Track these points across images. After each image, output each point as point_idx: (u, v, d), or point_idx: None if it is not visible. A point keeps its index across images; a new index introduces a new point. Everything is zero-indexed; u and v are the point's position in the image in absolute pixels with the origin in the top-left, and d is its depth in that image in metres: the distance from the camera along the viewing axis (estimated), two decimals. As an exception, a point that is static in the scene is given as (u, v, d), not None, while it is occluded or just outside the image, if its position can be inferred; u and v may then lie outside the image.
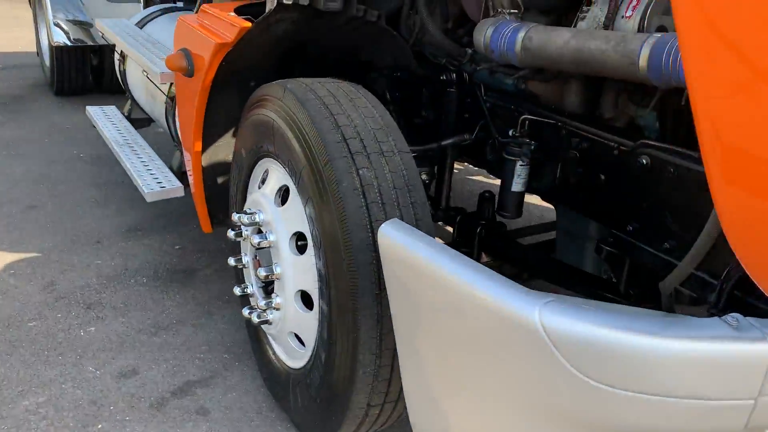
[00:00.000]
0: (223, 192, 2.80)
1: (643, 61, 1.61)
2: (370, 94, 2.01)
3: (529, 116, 2.18)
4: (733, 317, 1.21)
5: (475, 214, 2.64)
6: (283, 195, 2.06)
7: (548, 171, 2.20)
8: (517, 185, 2.25)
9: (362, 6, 2.24)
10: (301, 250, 1.96)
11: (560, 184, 2.17)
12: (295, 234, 1.97)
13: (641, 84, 1.78)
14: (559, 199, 2.26)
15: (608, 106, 2.09)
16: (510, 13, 2.17)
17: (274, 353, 2.29)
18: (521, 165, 2.22)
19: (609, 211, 2.01)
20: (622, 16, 1.84)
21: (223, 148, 2.76)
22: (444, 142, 2.47)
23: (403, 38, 2.52)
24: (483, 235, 2.55)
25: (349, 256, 1.70)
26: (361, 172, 1.74)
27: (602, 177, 2.00)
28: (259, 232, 2.13)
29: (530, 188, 2.29)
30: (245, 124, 2.26)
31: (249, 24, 2.14)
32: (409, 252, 1.47)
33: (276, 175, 2.08)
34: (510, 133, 2.26)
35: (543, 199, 2.45)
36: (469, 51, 2.43)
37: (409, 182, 1.79)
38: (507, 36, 2.00)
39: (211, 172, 2.77)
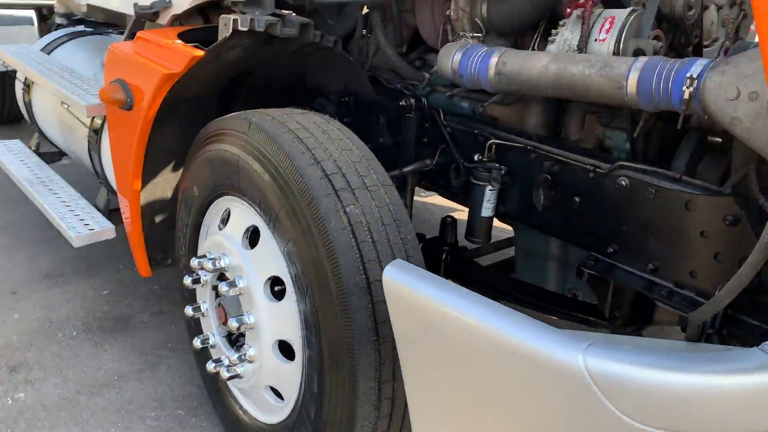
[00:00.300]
0: (162, 231, 2.59)
1: (631, 87, 1.60)
2: (342, 125, 1.90)
3: (497, 141, 2.15)
4: (770, 345, 1.20)
5: (438, 239, 2.58)
6: (251, 236, 1.90)
7: (518, 195, 2.18)
8: (486, 210, 2.20)
9: (318, 32, 2.13)
10: (278, 295, 1.81)
11: (531, 208, 2.14)
12: (270, 279, 1.81)
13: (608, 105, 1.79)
14: (530, 223, 2.24)
15: (574, 127, 2.09)
16: (473, 37, 2.13)
17: (242, 408, 2.11)
18: (490, 190, 2.17)
19: (586, 234, 2.00)
20: (596, 40, 1.85)
21: (162, 185, 2.54)
22: (405, 169, 2.39)
23: (356, 62, 2.42)
24: (449, 261, 2.49)
25: (343, 301, 1.57)
26: (348, 209, 1.62)
27: (577, 199, 1.99)
28: (223, 277, 1.96)
29: (499, 212, 2.25)
30: (197, 160, 2.08)
31: (201, 52, 1.97)
32: (424, 297, 1.37)
33: (242, 214, 1.92)
34: (476, 157, 2.21)
35: (502, 221, 2.43)
36: (427, 75, 2.37)
37: (396, 217, 1.70)
38: (478, 61, 1.96)
39: (149, 211, 2.54)
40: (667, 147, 2.00)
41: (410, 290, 1.41)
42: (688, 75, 1.49)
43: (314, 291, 1.64)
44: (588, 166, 1.93)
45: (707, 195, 1.68)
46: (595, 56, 1.72)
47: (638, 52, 1.73)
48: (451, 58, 2.03)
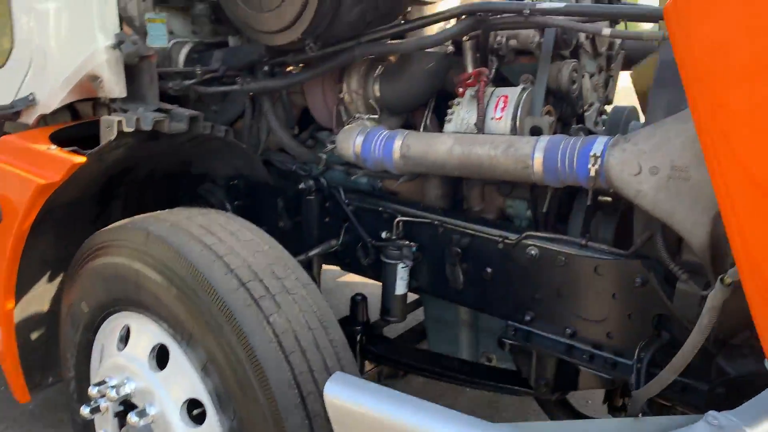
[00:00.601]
0: (41, 349, 2.31)
1: (537, 166, 1.65)
2: (249, 223, 1.80)
3: (404, 218, 2.13)
4: (713, 416, 1.25)
5: (349, 319, 2.50)
6: (159, 355, 1.73)
7: (431, 269, 2.17)
8: (400, 288, 2.17)
9: (208, 123, 2.02)
10: (198, 419, 1.64)
11: (446, 281, 2.14)
12: (186, 401, 1.65)
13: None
14: (445, 296, 2.23)
15: (476, 198, 2.13)
16: (369, 118, 2.12)
17: None
18: (402, 267, 2.15)
19: (501, 304, 2.02)
20: (492, 118, 1.90)
21: (38, 298, 2.27)
22: (311, 253, 2.30)
23: (248, 148, 2.33)
24: (364, 342, 2.42)
25: (277, 420, 1.45)
26: (271, 319, 1.52)
27: (489, 270, 2.01)
28: (129, 404, 1.75)
29: (412, 287, 2.23)
30: (84, 274, 1.88)
31: (82, 158, 1.80)
32: (371, 412, 1.29)
33: (145, 332, 1.74)
34: (384, 235, 2.18)
35: (412, 290, 2.41)
36: (324, 156, 2.33)
37: (323, 319, 1.61)
38: (381, 144, 1.94)
39: (24, 329, 2.26)
40: (562, 208, 2.09)
41: (356, 406, 1.32)
42: (591, 153, 1.56)
43: (241, 412, 1.51)
44: (496, 238, 1.96)
45: (614, 259, 1.76)
46: (498, 137, 1.76)
47: (535, 129, 1.80)
48: (352, 143, 2.01)
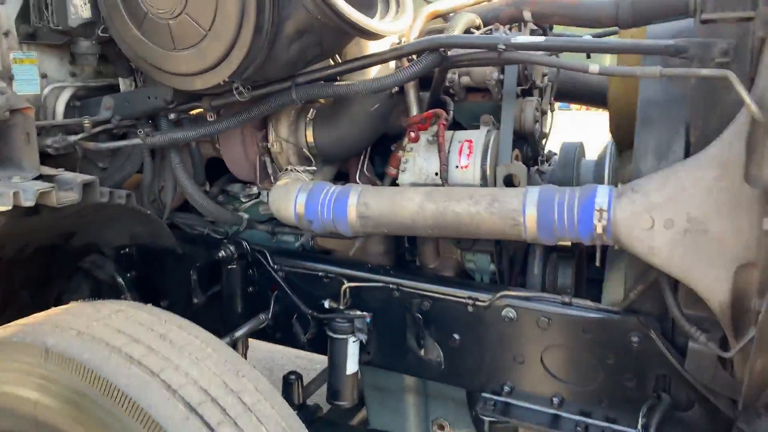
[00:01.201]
0: None
1: (530, 223, 1.43)
2: (177, 317, 1.41)
3: (351, 283, 1.83)
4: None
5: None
6: None
7: (386, 341, 1.87)
8: (351, 366, 1.86)
9: (106, 189, 1.60)
10: None
11: (405, 352, 1.86)
12: None
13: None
14: (404, 369, 1.94)
15: (429, 254, 1.88)
16: (305, 170, 1.80)
17: None
18: (354, 342, 1.83)
19: (473, 375, 1.78)
20: (457, 167, 1.66)
21: None
22: (238, 333, 1.92)
23: (150, 214, 1.90)
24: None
25: None
26: (238, 455, 1.15)
27: (456, 338, 1.76)
28: None
29: (363, 361, 1.92)
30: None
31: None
32: None
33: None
34: (327, 304, 1.86)
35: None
36: (245, 216, 1.97)
37: (294, 437, 1.27)
38: (331, 203, 1.63)
39: None
40: (518, 259, 1.91)
41: None
42: (597, 207, 1.37)
43: None
44: (464, 300, 1.72)
45: (605, 316, 1.58)
46: (477, 190, 1.52)
47: (510, 179, 1.58)
48: (293, 202, 1.67)
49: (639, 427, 1.54)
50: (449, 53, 1.53)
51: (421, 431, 2.36)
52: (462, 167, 1.64)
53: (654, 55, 1.46)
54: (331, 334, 1.82)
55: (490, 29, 1.77)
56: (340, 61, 1.74)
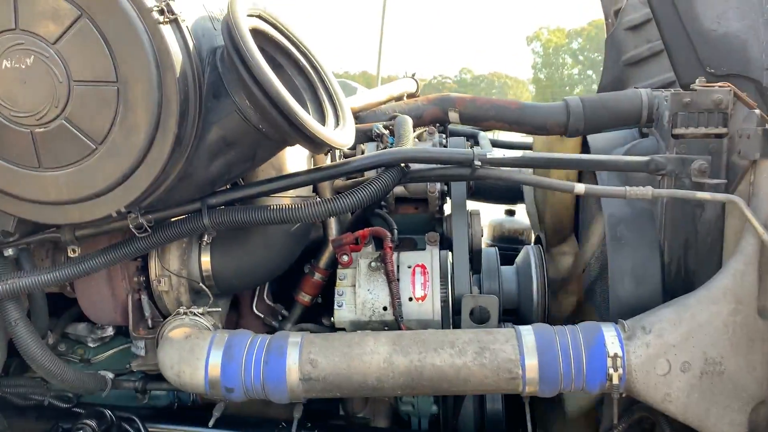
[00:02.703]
0: None
1: (531, 374, 1.17)
2: None
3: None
4: None
5: None
6: None
7: None
8: None
9: None
10: None
11: None
12: None
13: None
14: None
15: (358, 401, 1.53)
16: (208, 311, 1.35)
17: None
18: None
19: None
20: (411, 299, 1.36)
21: None
22: None
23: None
24: None
25: None
26: None
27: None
28: None
29: None
30: None
31: None
32: None
33: None
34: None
35: None
36: (110, 377, 1.43)
37: None
38: (260, 364, 1.20)
39: None
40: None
41: None
42: (610, 354, 1.16)
43: None
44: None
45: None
46: (456, 334, 1.22)
47: (479, 312, 1.33)
48: (203, 364, 1.22)
49: None
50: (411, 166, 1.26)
51: None
52: (418, 299, 1.35)
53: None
54: None
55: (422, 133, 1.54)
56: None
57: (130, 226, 1.09)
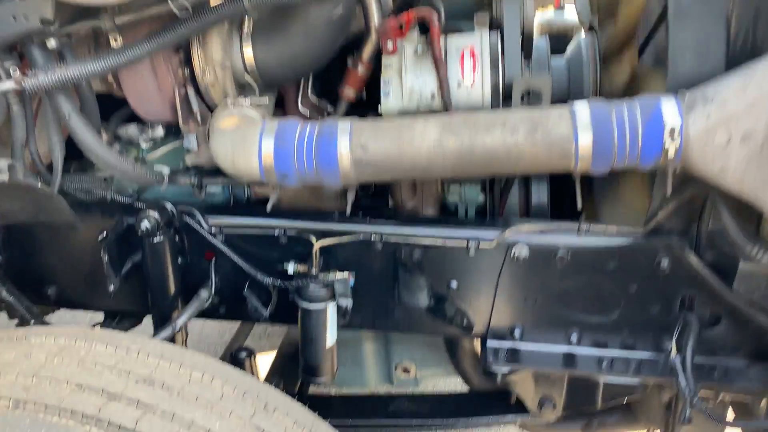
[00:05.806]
0: None
1: (585, 151, 1.16)
2: (159, 342, 0.98)
3: (324, 242, 1.47)
4: None
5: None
6: None
7: (365, 300, 1.56)
8: (331, 338, 1.53)
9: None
10: None
11: (386, 310, 1.57)
12: None
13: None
14: (387, 327, 1.66)
15: (406, 192, 1.56)
16: (256, 105, 1.35)
17: None
18: (332, 310, 1.50)
19: (464, 320, 1.55)
20: (460, 85, 1.32)
21: None
22: (179, 321, 1.49)
23: (42, 188, 1.34)
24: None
25: None
26: None
27: (455, 286, 1.51)
28: None
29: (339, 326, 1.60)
30: None
31: None
32: None
33: None
34: (291, 269, 1.50)
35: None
36: (166, 171, 1.48)
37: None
38: (312, 149, 1.22)
39: None
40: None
41: None
42: (667, 125, 1.12)
43: None
44: (462, 243, 1.45)
45: (629, 241, 1.41)
46: (507, 114, 1.20)
47: (536, 96, 1.29)
48: (256, 151, 1.24)
49: (673, 350, 1.43)
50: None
51: (383, 378, 2.15)
52: (468, 85, 1.31)
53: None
54: (304, 304, 1.47)
55: None
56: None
57: (171, 4, 1.05)
